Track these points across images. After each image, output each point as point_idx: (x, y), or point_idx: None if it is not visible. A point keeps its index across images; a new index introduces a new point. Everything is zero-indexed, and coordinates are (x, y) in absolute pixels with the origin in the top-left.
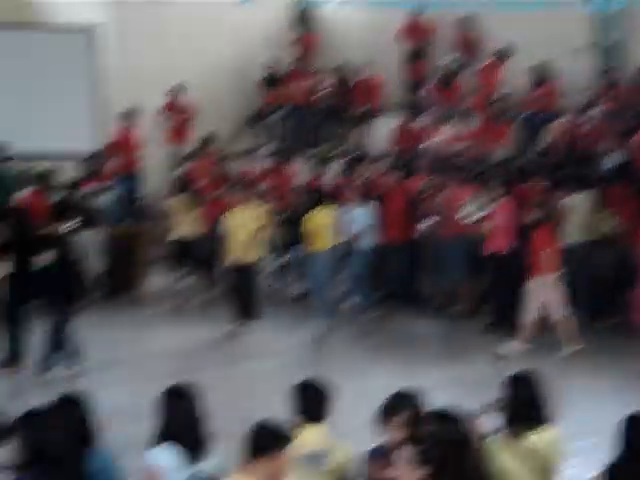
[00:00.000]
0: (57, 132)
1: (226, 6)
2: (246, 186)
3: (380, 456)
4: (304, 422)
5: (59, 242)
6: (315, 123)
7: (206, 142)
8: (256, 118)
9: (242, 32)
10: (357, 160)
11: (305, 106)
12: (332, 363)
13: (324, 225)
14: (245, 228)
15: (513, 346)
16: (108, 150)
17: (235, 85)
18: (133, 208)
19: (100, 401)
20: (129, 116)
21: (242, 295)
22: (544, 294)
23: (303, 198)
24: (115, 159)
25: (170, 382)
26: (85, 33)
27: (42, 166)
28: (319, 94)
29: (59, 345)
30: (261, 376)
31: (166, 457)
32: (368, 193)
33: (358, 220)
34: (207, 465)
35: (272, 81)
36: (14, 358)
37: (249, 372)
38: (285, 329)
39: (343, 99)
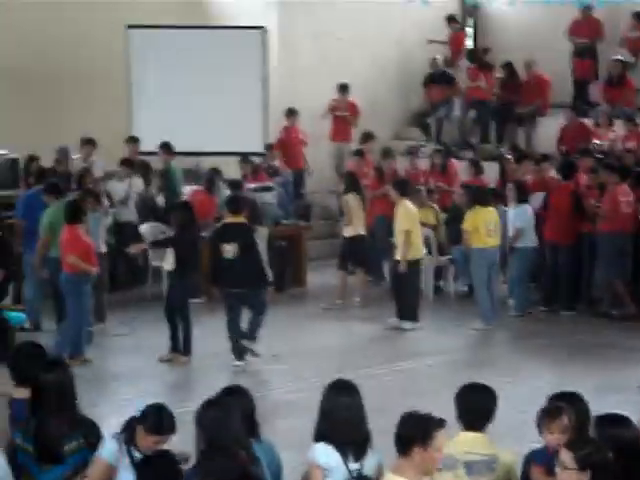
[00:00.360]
0: (228, 129)
1: (392, 5)
2: (411, 185)
3: (542, 459)
4: (464, 426)
5: (244, 234)
6: (482, 121)
7: (365, 139)
8: (420, 116)
9: (408, 31)
10: (520, 159)
11: (472, 103)
12: (493, 363)
13: (485, 224)
14: (415, 227)
15: None
16: (274, 148)
17: (398, 84)
18: (297, 206)
19: (262, 394)
20: (293, 114)
21: (406, 293)
22: None
23: (466, 197)
24: (280, 157)
25: (332, 378)
26: (256, 33)
27: (208, 164)
28: (486, 92)
29: (250, 335)
30: (423, 374)
31: (326, 455)
32: (527, 193)
33: (516, 220)
34: (367, 463)
35: (436, 78)
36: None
37: (411, 370)
38: (448, 327)
39: (511, 96)
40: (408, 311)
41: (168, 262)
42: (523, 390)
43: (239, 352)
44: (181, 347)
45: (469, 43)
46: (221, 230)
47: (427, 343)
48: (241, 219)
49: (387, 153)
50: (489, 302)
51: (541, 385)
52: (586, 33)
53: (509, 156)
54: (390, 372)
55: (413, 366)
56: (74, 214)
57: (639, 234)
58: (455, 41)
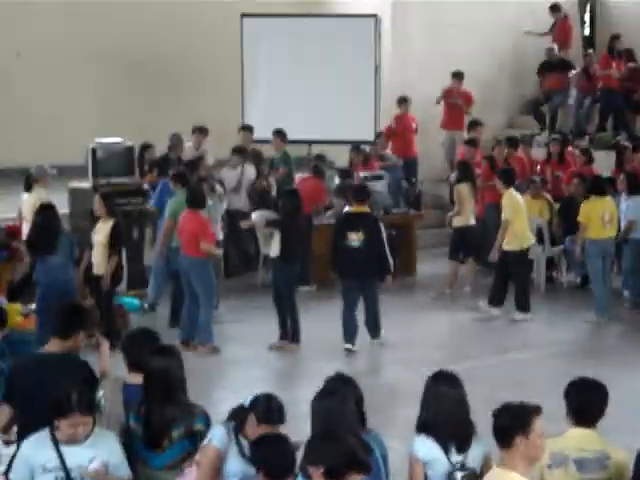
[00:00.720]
0: (339, 117)
1: None
2: (516, 174)
3: None
4: (575, 422)
5: (370, 223)
6: (613, 109)
7: (473, 126)
8: (534, 105)
9: (522, 18)
10: (636, 148)
11: (589, 92)
12: (604, 357)
13: (599, 214)
14: (518, 216)
15: None
16: (386, 136)
17: (511, 71)
18: (408, 194)
19: (371, 383)
20: (405, 102)
21: (515, 283)
22: None
23: (580, 186)
24: (391, 144)
25: (440, 368)
26: (370, 20)
27: (319, 151)
28: (617, 80)
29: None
30: (534, 366)
31: (425, 448)
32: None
33: (628, 211)
34: (472, 454)
35: (552, 66)
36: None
37: (521, 361)
38: (559, 319)
39: (633, 85)
40: (519, 301)
41: (274, 249)
42: (637, 385)
43: (348, 337)
44: (290, 335)
45: (586, 31)
46: (347, 218)
47: (538, 334)
48: (366, 209)
49: (498, 142)
50: (604, 294)
51: None
52: None
53: (627, 144)
54: (500, 363)
55: (524, 357)
56: (198, 200)
57: None
58: (561, 30)
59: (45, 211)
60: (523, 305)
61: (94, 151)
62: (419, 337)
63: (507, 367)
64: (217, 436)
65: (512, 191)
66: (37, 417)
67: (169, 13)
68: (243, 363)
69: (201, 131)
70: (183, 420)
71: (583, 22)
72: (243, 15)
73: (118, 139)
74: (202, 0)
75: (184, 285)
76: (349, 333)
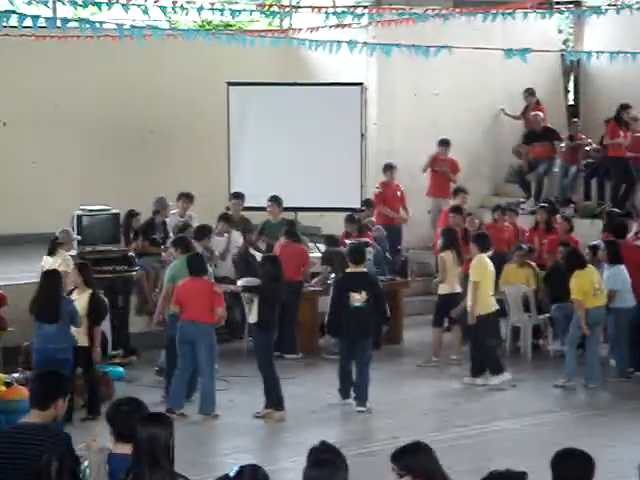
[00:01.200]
0: (325, 185)
1: (492, 61)
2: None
3: None
4: None
5: (372, 282)
6: (623, 180)
7: (457, 193)
8: (518, 173)
9: (508, 86)
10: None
11: (571, 160)
12: (593, 425)
13: (590, 285)
14: (485, 280)
15: None
16: (377, 202)
17: (497, 140)
18: (394, 261)
19: (358, 452)
20: (390, 169)
21: (479, 348)
22: None
23: (565, 255)
24: (379, 212)
25: (427, 437)
26: (357, 88)
27: (306, 219)
28: (587, 148)
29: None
30: (520, 435)
31: None
32: (619, 253)
33: (609, 282)
34: None
35: (534, 136)
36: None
37: (508, 431)
38: (546, 387)
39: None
40: (490, 366)
41: (253, 316)
42: (625, 455)
43: (344, 392)
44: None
45: (570, 100)
46: (347, 279)
47: (524, 403)
48: (364, 269)
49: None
50: (575, 360)
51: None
52: None
53: (611, 215)
54: (487, 432)
55: (510, 426)
56: (203, 266)
57: None
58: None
59: (49, 277)
60: (494, 367)
61: (79, 218)
62: (406, 405)
63: (494, 436)
64: None
65: (484, 256)
66: None
67: (155, 80)
68: (229, 431)
69: (187, 197)
70: None
71: (567, 91)
72: (229, 84)
73: (103, 206)
74: (188, 67)
75: (183, 353)
76: (346, 389)
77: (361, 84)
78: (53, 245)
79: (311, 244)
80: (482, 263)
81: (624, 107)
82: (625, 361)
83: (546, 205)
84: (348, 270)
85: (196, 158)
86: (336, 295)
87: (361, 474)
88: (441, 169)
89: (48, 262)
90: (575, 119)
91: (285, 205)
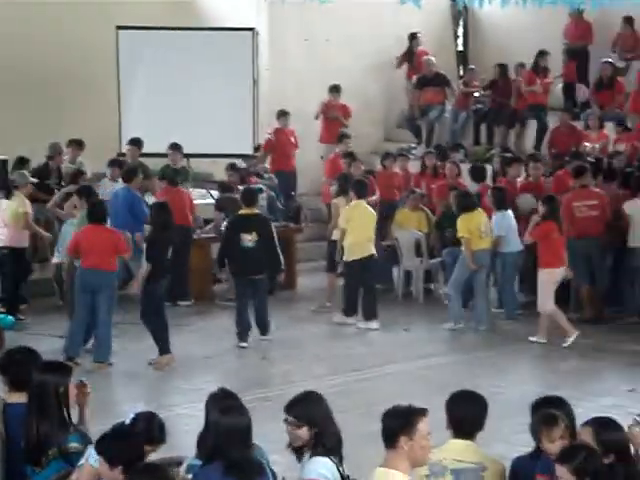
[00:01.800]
0: (217, 131)
1: (385, 7)
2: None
3: (544, 469)
4: (454, 434)
5: (262, 224)
6: (473, 123)
7: (339, 139)
8: (409, 118)
9: (399, 33)
10: (511, 161)
11: (462, 106)
12: (481, 366)
13: (476, 227)
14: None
15: None
16: (265, 149)
17: (388, 85)
18: (287, 208)
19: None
20: (284, 115)
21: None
22: None
23: (455, 197)
24: (270, 159)
25: (322, 381)
26: (248, 34)
27: (197, 164)
28: (477, 93)
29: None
30: (413, 378)
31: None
32: (505, 199)
33: (496, 227)
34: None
35: (425, 81)
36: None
37: (400, 373)
38: (437, 330)
39: (502, 98)
40: (348, 306)
41: (143, 265)
42: (513, 395)
43: (242, 334)
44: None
45: (459, 46)
46: (238, 220)
47: (416, 346)
48: (256, 210)
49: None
50: (460, 302)
51: (532, 389)
52: (578, 36)
53: (500, 158)
54: (379, 376)
55: (402, 369)
56: (104, 214)
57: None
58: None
59: None
60: (350, 310)
61: None
62: (300, 351)
63: (386, 379)
64: (94, 455)
65: (361, 202)
66: None
67: (44, 25)
68: (123, 379)
69: (77, 144)
70: (57, 438)
71: (456, 37)
72: (119, 27)
73: None
74: (76, 12)
75: (83, 300)
76: (244, 332)
77: (252, 29)
78: (8, 188)
79: (203, 190)
80: (355, 209)
81: (541, 53)
82: (512, 303)
83: (433, 150)
84: (240, 212)
85: (87, 104)
86: (227, 235)
87: (259, 419)
88: (332, 115)
89: (3, 205)
90: (471, 66)
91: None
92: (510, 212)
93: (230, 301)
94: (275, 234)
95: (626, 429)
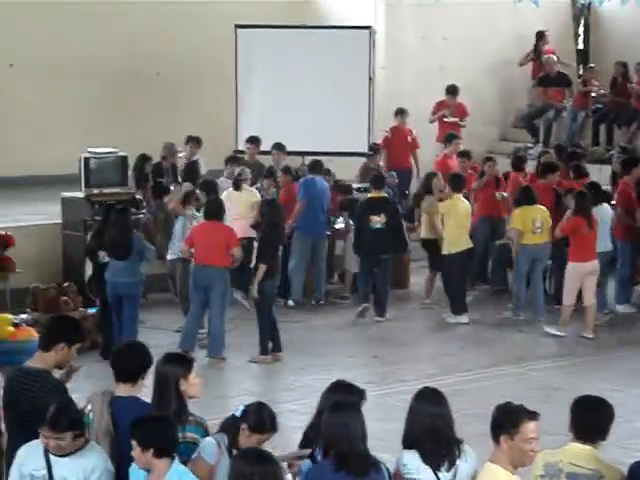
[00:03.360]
0: (333, 129)
1: (502, 6)
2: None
3: None
4: (574, 437)
5: (390, 206)
6: (592, 122)
7: (449, 139)
8: (527, 118)
9: (518, 31)
10: (632, 162)
11: (581, 105)
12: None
13: (531, 222)
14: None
15: None
16: (383, 146)
17: (506, 85)
18: (402, 206)
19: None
20: (402, 113)
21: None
22: None
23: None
24: (388, 157)
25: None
26: (365, 32)
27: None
28: (596, 93)
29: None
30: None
31: (415, 464)
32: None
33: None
34: (460, 473)
35: (552, 80)
36: None
37: (512, 375)
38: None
39: (622, 98)
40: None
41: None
42: (628, 398)
43: (363, 298)
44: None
45: (580, 45)
46: (368, 204)
47: (528, 347)
48: (384, 194)
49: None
50: (524, 294)
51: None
52: None
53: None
54: (494, 376)
55: (514, 371)
56: (221, 210)
57: None
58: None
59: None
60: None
61: (87, 161)
62: (411, 349)
63: (501, 380)
64: (207, 449)
65: (459, 196)
66: (17, 428)
67: (161, 23)
68: (236, 374)
69: (195, 141)
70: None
71: (577, 35)
72: (237, 26)
73: (111, 149)
74: (198, 11)
75: (197, 296)
76: (364, 296)
77: (369, 27)
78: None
79: None
80: (452, 203)
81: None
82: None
83: (548, 150)
84: (369, 195)
85: (203, 102)
86: (358, 217)
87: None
88: (449, 119)
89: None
90: (591, 65)
91: (293, 149)
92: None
93: (345, 299)
94: (401, 217)
95: None
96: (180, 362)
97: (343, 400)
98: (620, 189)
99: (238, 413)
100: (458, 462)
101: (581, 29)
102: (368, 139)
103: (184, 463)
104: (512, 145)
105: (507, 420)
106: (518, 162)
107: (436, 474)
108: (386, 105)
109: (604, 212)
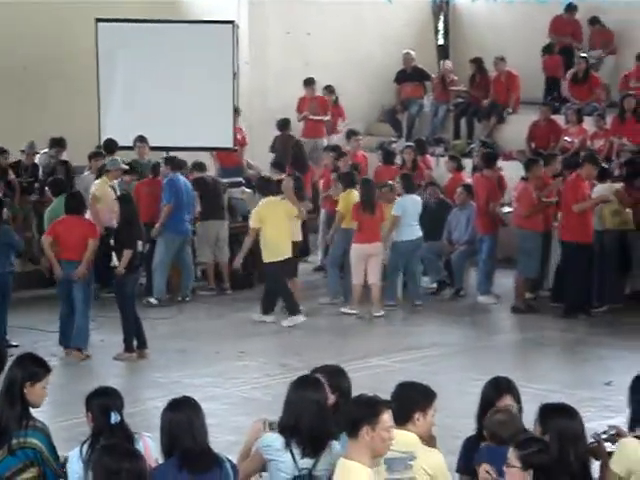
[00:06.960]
0: (198, 124)
1: (365, 2)
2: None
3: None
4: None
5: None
6: (454, 117)
7: (348, 136)
8: (390, 112)
9: (379, 27)
10: (492, 156)
11: (442, 99)
12: None
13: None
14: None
15: None
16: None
17: (369, 80)
18: None
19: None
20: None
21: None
22: None
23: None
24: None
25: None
26: (228, 27)
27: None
28: (455, 87)
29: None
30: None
31: (275, 446)
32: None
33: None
34: (322, 461)
35: (408, 75)
36: None
37: (378, 367)
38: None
39: (480, 93)
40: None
41: (114, 261)
42: None
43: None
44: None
45: (440, 40)
46: None
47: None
48: None
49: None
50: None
51: None
52: (568, 32)
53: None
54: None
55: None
56: (80, 205)
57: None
58: None
59: None
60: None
61: None
62: (280, 345)
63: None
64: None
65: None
66: None
67: (21, 19)
68: (100, 371)
69: (59, 143)
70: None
71: (437, 31)
72: (98, 20)
73: None
74: (57, 6)
75: (62, 292)
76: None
77: (232, 22)
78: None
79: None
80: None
81: None
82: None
83: (411, 144)
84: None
85: (67, 96)
86: None
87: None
88: (313, 117)
89: None
90: (448, 61)
91: (156, 144)
92: (417, 198)
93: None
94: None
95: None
96: (31, 368)
97: (182, 398)
98: (481, 183)
99: (113, 420)
100: (324, 452)
101: (441, 25)
102: (233, 134)
103: (19, 470)
104: (377, 139)
105: (368, 411)
106: (388, 156)
107: (294, 459)
108: (250, 100)
109: (413, 202)
